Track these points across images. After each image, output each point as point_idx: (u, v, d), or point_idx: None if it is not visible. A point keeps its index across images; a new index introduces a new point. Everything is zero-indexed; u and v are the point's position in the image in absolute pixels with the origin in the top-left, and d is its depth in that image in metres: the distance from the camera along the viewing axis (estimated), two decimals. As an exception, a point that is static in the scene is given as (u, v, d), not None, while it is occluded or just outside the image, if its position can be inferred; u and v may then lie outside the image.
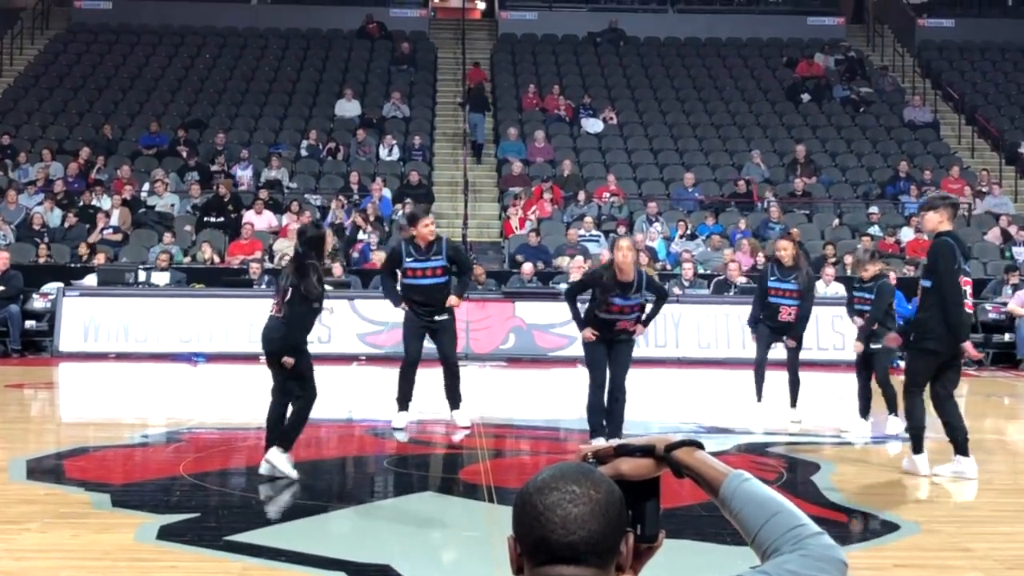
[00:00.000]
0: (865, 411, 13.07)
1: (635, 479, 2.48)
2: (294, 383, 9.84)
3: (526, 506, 2.33)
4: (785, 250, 13.59)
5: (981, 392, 17.44)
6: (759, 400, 13.78)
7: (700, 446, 2.56)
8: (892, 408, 12.84)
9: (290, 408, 9.91)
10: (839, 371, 18.60)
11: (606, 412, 11.44)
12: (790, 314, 13.46)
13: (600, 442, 9.39)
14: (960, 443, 10.18)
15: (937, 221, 10.24)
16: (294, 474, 9.73)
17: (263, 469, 9.80)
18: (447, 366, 12.77)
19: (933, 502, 9.53)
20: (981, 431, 11.20)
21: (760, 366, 13.76)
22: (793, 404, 13.73)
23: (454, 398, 12.85)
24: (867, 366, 13.03)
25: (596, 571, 2.30)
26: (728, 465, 2.56)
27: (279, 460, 9.73)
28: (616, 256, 11.19)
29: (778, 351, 13.81)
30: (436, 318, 12.63)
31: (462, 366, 13.47)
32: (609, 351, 11.46)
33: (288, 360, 9.70)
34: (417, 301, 12.60)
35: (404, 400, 12.71)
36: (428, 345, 12.83)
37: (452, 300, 12.61)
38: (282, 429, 9.84)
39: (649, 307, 11.59)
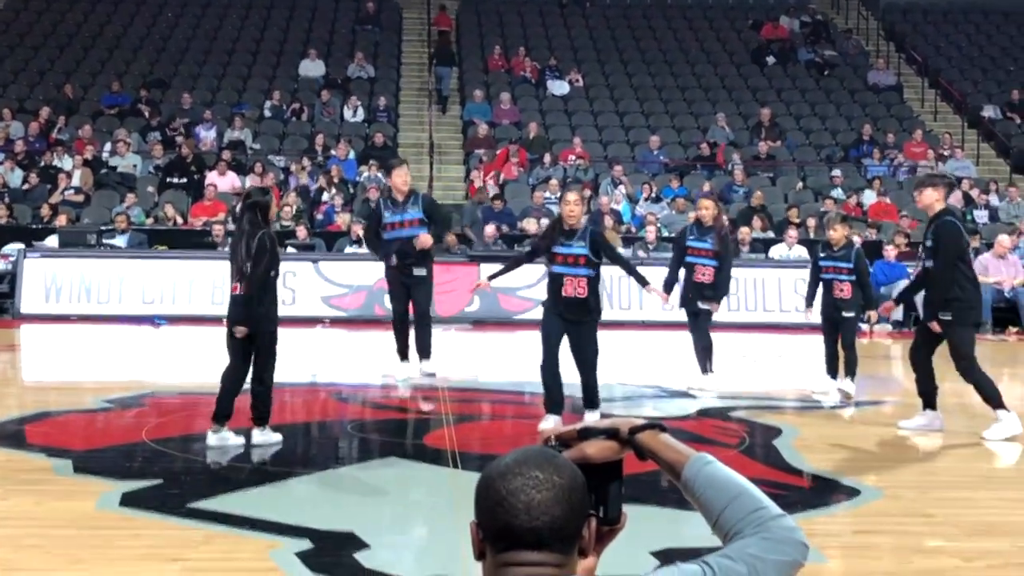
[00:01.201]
0: (833, 371, 13.13)
1: (599, 462, 2.48)
2: (267, 357, 9.82)
3: (489, 492, 2.33)
4: (707, 209, 13.49)
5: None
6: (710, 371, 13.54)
7: (664, 429, 2.57)
8: (851, 373, 12.91)
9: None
10: (802, 333, 18.66)
11: (583, 390, 10.91)
12: (704, 274, 13.32)
13: (554, 420, 9.31)
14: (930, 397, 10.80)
15: (934, 198, 10.44)
16: (277, 437, 9.84)
17: (211, 441, 9.74)
18: (419, 318, 13.28)
19: (895, 467, 9.59)
20: (941, 394, 11.26)
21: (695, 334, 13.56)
22: (704, 371, 13.44)
23: (424, 349, 13.27)
24: (834, 330, 13.06)
25: (559, 556, 2.31)
26: (691, 427, 2.57)
27: (264, 437, 9.77)
28: (563, 210, 10.65)
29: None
30: (415, 272, 13.09)
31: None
32: (569, 334, 10.72)
33: (240, 330, 9.66)
34: (396, 256, 13.06)
35: (402, 352, 13.43)
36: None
37: (423, 236, 12.97)
38: (256, 408, 9.80)
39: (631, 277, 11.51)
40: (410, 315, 13.42)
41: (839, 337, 13.05)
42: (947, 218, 10.51)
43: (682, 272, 13.47)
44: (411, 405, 12.58)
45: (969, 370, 10.49)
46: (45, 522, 7.29)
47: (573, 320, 10.64)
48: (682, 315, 13.80)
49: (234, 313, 9.80)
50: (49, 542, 6.83)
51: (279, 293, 10.04)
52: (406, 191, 13.07)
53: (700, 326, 13.46)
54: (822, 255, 13.22)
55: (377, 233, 13.30)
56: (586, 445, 2.50)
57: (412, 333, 13.44)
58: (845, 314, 12.82)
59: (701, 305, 13.35)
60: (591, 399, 10.90)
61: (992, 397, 10.47)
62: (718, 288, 13.39)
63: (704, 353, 13.46)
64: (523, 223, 23.87)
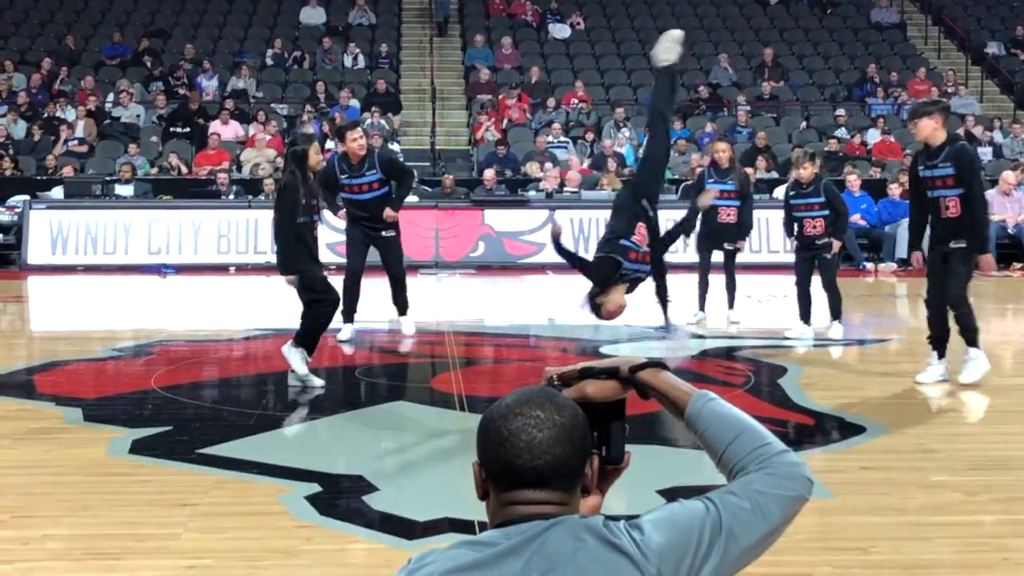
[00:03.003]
0: (807, 317, 13.04)
1: (600, 401, 2.51)
2: (311, 295, 9.96)
3: (490, 432, 2.36)
4: (723, 152, 13.67)
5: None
6: (701, 309, 13.84)
7: (665, 367, 2.59)
8: (837, 315, 12.89)
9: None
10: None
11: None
12: (729, 215, 13.59)
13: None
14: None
15: (932, 127, 10.07)
16: (304, 371, 9.92)
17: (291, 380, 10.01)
18: (393, 279, 12.73)
19: (899, 404, 9.62)
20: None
21: (705, 274, 13.82)
22: (731, 306, 14.02)
23: (401, 305, 12.85)
24: (809, 271, 12.99)
25: (561, 494, 2.34)
26: (696, 367, 2.60)
27: (292, 355, 9.87)
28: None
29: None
30: (383, 234, 12.49)
31: (432, 274, 13.47)
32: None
33: (289, 278, 9.93)
34: (359, 217, 12.47)
35: (349, 313, 12.52)
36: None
37: (388, 212, 12.34)
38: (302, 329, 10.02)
39: None
40: (361, 271, 12.71)
41: (815, 278, 13.01)
42: (960, 143, 10.27)
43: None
44: (418, 350, 12.61)
45: (962, 299, 10.30)
46: (55, 469, 7.34)
47: None
48: (689, 256, 13.98)
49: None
50: (59, 489, 6.89)
51: (306, 240, 9.97)
52: (362, 155, 12.29)
53: (728, 266, 13.95)
54: (792, 193, 13.11)
55: (331, 191, 12.50)
56: (586, 384, 2.52)
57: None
58: (819, 242, 12.76)
59: (727, 246, 13.65)
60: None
61: (973, 332, 10.32)
62: (743, 227, 13.84)
63: (732, 290, 14.00)
64: (526, 167, 23.85)
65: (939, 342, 10.39)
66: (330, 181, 12.44)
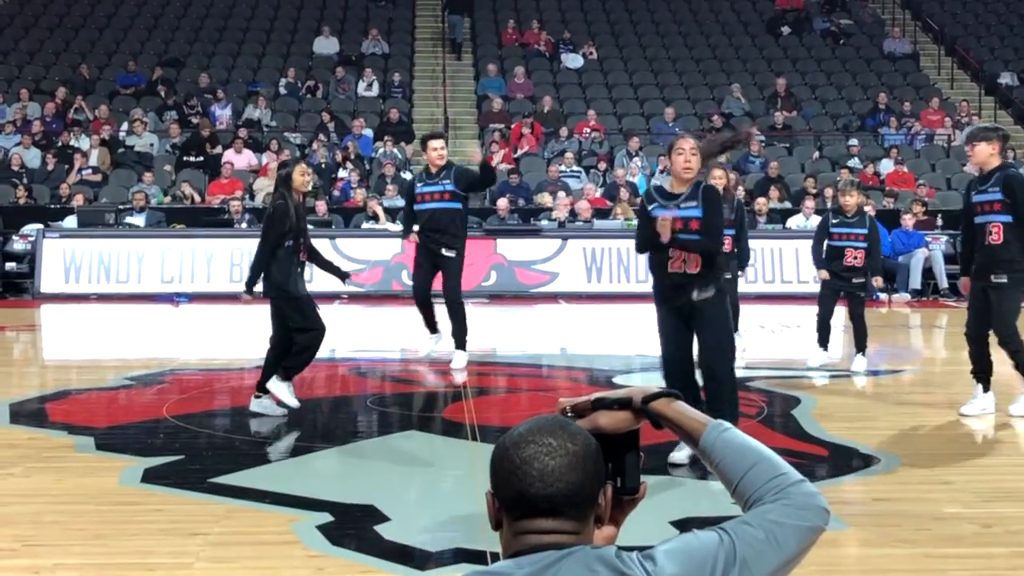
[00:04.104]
0: (825, 343, 12.95)
1: (614, 432, 2.50)
2: (300, 321, 9.87)
3: (503, 460, 2.35)
4: (719, 179, 13.41)
5: (962, 323, 17.48)
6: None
7: (678, 397, 2.57)
8: (862, 347, 12.79)
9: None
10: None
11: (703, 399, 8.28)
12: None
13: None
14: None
15: (988, 153, 9.85)
16: (294, 403, 9.83)
17: (253, 407, 9.94)
18: (449, 305, 12.74)
19: (913, 435, 9.58)
20: (962, 362, 11.21)
21: None
22: (735, 331, 13.84)
23: (458, 338, 12.80)
24: (834, 299, 12.87)
25: (574, 523, 2.32)
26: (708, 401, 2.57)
27: (278, 389, 9.80)
28: (676, 161, 8.26)
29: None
30: (444, 252, 12.52)
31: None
32: (689, 322, 8.46)
33: (245, 298, 10.16)
34: (426, 228, 12.58)
35: (431, 326, 13.11)
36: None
37: (475, 150, 12.53)
38: (286, 359, 9.89)
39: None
40: (427, 292, 12.90)
41: (842, 306, 12.90)
42: (1012, 171, 10.03)
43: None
44: (430, 379, 12.60)
45: (1012, 337, 10.02)
46: (66, 498, 7.34)
47: (693, 307, 8.44)
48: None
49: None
50: (70, 518, 6.88)
51: (294, 263, 9.95)
52: (441, 164, 12.62)
53: (730, 294, 13.69)
54: (834, 221, 12.83)
55: (411, 209, 12.90)
56: (599, 415, 2.51)
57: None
58: (856, 281, 12.60)
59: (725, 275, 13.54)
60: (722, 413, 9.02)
61: None
62: (743, 257, 13.43)
63: (735, 317, 13.73)
64: (538, 197, 23.86)
65: (983, 376, 10.26)
66: (411, 197, 12.95)
